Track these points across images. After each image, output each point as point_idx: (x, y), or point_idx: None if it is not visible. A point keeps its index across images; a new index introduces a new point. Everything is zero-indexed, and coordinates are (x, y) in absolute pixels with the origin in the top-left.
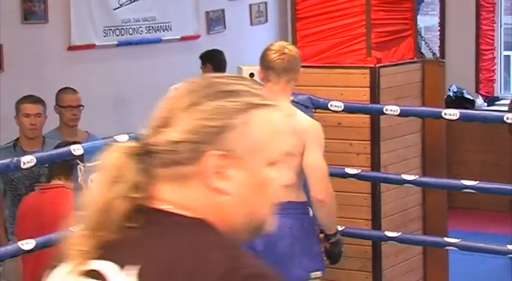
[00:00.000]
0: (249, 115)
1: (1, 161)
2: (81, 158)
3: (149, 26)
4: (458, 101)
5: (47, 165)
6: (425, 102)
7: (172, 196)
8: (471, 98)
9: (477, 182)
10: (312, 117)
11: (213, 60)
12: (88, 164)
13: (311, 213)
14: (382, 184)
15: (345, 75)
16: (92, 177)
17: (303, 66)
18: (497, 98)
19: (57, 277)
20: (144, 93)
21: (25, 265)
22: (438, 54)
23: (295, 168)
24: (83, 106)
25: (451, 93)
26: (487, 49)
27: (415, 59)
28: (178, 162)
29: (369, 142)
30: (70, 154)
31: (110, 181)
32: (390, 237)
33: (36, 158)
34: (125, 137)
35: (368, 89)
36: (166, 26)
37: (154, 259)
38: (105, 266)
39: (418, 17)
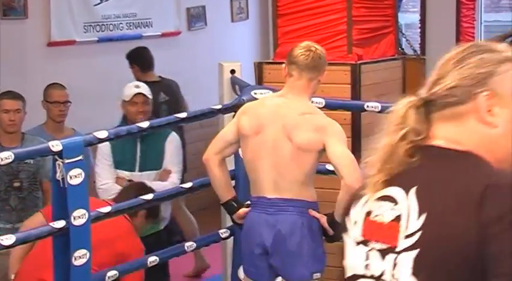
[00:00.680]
0: (508, 65)
1: None
2: (60, 154)
3: (130, 22)
4: None
5: (26, 161)
6: None
7: (446, 133)
8: None
9: None
10: None
11: (139, 60)
12: (67, 161)
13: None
14: None
15: (326, 72)
16: (71, 173)
17: (283, 63)
18: None
19: (360, 204)
20: None
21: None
22: (419, 51)
23: (311, 165)
24: (70, 102)
25: None
26: None
27: (396, 56)
28: (454, 103)
29: (350, 139)
30: (49, 150)
31: (396, 128)
32: None
33: (15, 154)
34: (105, 133)
35: (349, 85)
36: (147, 22)
37: (428, 182)
38: (395, 191)
39: (399, 14)
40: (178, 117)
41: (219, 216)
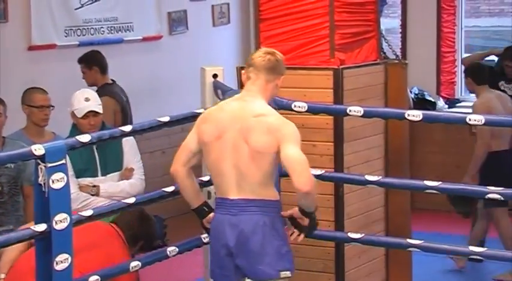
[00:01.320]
0: None
1: None
2: (42, 158)
3: (111, 27)
4: (420, 103)
5: (6, 165)
6: (389, 104)
7: None
8: (432, 100)
9: (440, 182)
10: None
11: (98, 62)
12: (50, 165)
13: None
14: (345, 186)
15: (308, 77)
16: (53, 177)
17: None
18: (458, 100)
19: None
20: None
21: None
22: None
23: (270, 166)
24: (53, 107)
25: (412, 95)
26: (448, 52)
27: (378, 61)
28: None
29: (333, 144)
30: (31, 154)
31: None
32: (354, 238)
33: None
34: (88, 137)
35: (331, 90)
36: (128, 26)
37: None
38: None
39: (380, 19)
40: (160, 121)
41: None
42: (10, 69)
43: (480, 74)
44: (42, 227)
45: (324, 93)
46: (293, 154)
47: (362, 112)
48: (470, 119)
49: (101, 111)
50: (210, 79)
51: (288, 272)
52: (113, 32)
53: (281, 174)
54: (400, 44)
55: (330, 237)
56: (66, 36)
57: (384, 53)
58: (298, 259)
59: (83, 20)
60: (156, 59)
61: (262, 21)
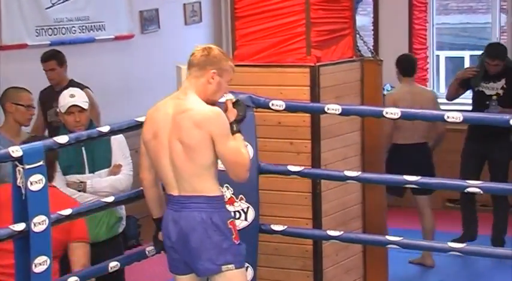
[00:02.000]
0: None
1: None
2: (20, 160)
3: (82, 26)
4: None
5: None
6: (365, 101)
7: None
8: None
9: (419, 177)
10: (253, 116)
11: (65, 60)
12: (28, 167)
13: (223, 208)
14: (322, 183)
15: (284, 74)
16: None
17: (243, 66)
18: None
19: None
20: None
21: None
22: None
23: (206, 161)
24: (34, 107)
25: (385, 92)
26: (419, 48)
27: (354, 58)
28: None
29: (310, 141)
30: (9, 156)
31: None
32: (332, 236)
33: None
34: (65, 138)
35: (308, 87)
36: (100, 25)
37: None
38: None
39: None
40: (138, 121)
41: None
42: None
43: (405, 66)
44: (21, 226)
45: (301, 91)
46: (225, 149)
47: (340, 110)
48: (448, 117)
49: (86, 107)
50: (185, 77)
51: (230, 265)
52: (84, 31)
53: (260, 171)
54: (372, 41)
55: (308, 235)
56: (37, 36)
57: (359, 50)
58: (276, 257)
59: (54, 19)
60: (129, 58)
61: (237, 19)
